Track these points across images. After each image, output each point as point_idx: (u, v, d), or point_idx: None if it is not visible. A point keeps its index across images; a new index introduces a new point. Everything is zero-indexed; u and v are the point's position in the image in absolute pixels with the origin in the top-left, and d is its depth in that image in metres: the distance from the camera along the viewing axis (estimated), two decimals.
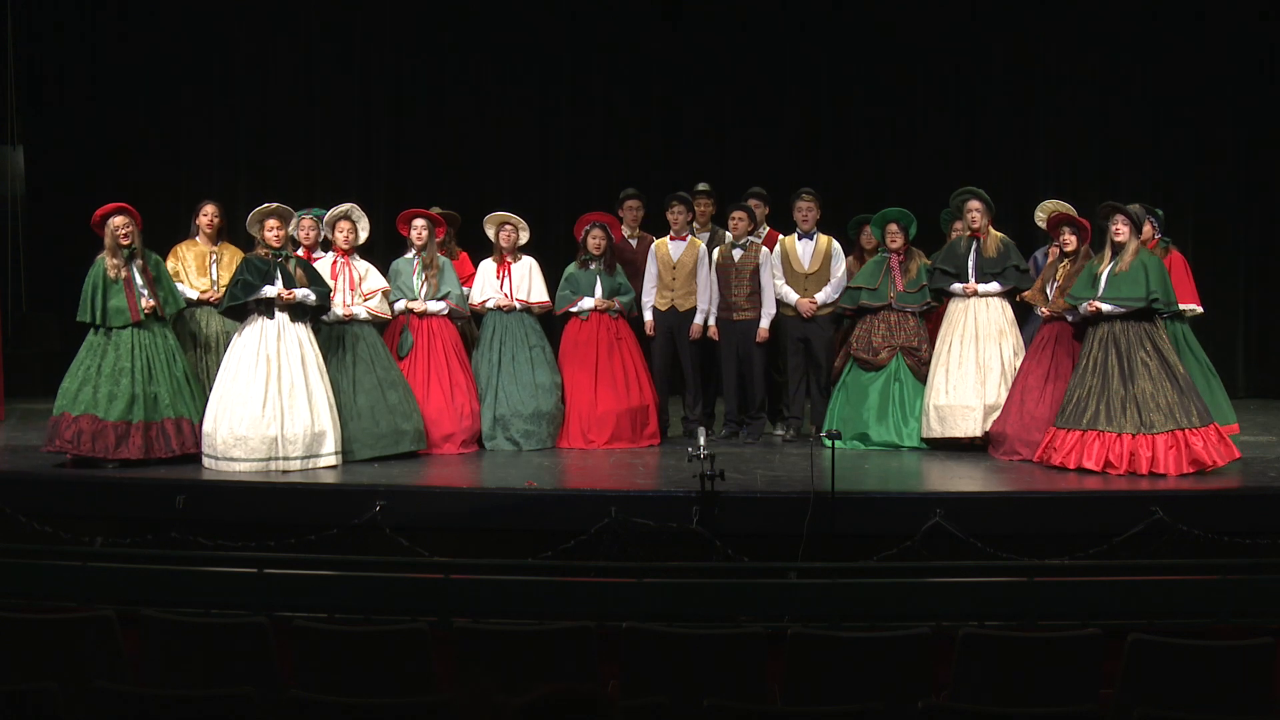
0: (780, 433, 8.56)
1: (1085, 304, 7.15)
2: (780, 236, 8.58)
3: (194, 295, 7.85)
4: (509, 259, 8.29)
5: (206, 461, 7.20)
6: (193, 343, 7.89)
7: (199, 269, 7.92)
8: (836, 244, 8.44)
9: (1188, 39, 11.23)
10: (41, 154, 11.63)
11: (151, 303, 7.30)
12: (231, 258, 7.87)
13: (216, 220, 8.04)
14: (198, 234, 8.05)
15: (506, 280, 8.25)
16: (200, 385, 7.53)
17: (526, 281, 8.28)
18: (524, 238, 8.36)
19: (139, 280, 7.30)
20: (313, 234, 7.91)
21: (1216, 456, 6.94)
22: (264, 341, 7.22)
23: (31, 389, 10.47)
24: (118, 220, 7.30)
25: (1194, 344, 7.78)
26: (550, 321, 8.46)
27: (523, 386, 8.04)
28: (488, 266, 8.32)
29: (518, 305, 8.22)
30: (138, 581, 5.56)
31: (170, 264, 7.88)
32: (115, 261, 7.25)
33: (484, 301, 8.26)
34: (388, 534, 6.46)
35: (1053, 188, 10.65)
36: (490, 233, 8.37)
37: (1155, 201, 8.88)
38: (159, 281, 7.40)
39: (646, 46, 11.76)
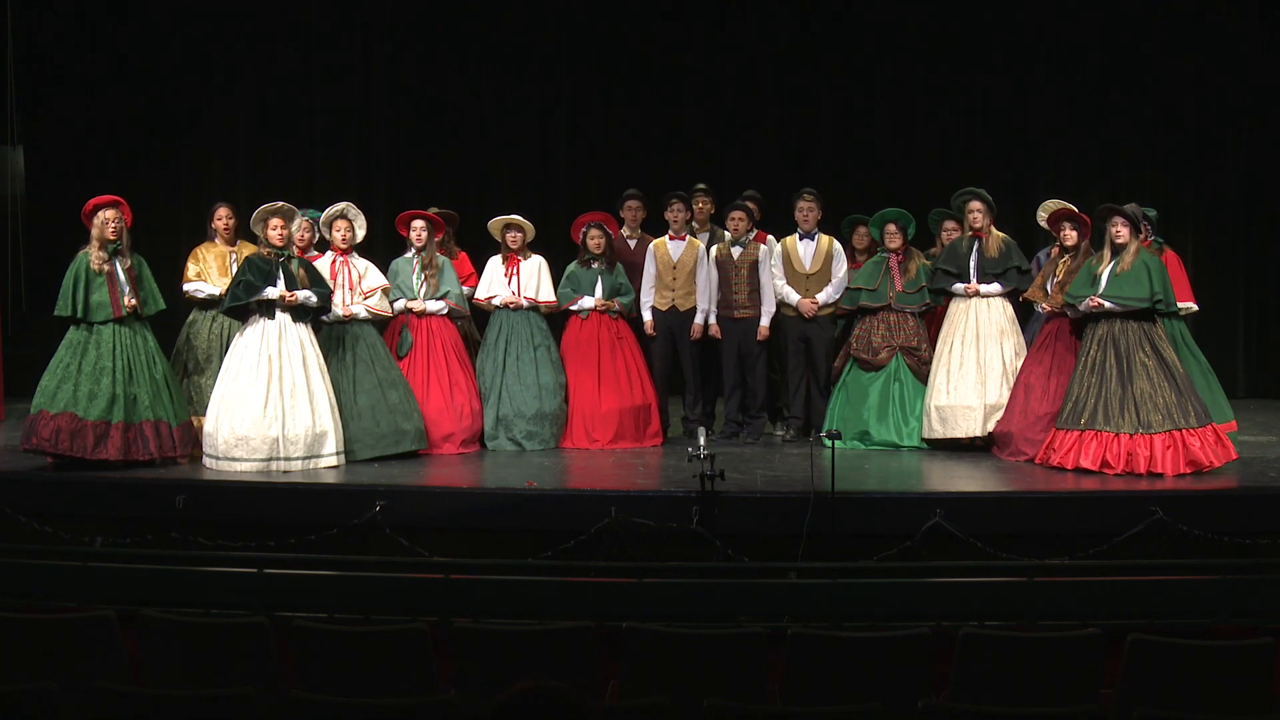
0: (780, 433, 8.56)
1: (1087, 300, 7.14)
2: (770, 237, 8.56)
3: (216, 291, 7.87)
4: (518, 257, 8.29)
5: (208, 461, 7.20)
6: (212, 346, 7.89)
7: (220, 269, 7.95)
8: (838, 244, 8.45)
9: (1187, 38, 11.22)
10: (41, 154, 11.63)
11: (133, 301, 7.24)
12: None
13: (231, 221, 8.10)
14: (215, 236, 8.12)
15: (515, 278, 8.25)
16: (179, 389, 7.48)
17: (535, 280, 8.28)
18: (530, 238, 8.38)
19: (121, 277, 7.23)
20: (307, 235, 7.92)
21: (1214, 457, 6.95)
22: (265, 342, 7.21)
23: (31, 389, 10.43)
24: (108, 213, 7.23)
25: (1191, 343, 7.80)
26: (552, 320, 8.46)
27: (526, 387, 8.04)
28: (496, 264, 8.33)
29: (525, 303, 8.22)
30: (138, 581, 5.56)
31: (192, 267, 7.99)
32: (100, 254, 7.18)
33: (491, 298, 8.26)
34: (388, 534, 6.46)
35: (1053, 188, 10.65)
36: (496, 235, 8.38)
37: (1155, 202, 8.89)
38: (141, 281, 7.34)
39: (647, 46, 11.76)
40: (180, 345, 8.02)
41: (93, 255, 7.19)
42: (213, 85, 11.90)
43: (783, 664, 4.42)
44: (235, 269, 7.86)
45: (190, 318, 8.08)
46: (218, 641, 4.56)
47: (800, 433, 8.42)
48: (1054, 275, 7.61)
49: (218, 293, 7.85)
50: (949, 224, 8.31)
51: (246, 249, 7.99)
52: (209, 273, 7.96)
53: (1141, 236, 7.37)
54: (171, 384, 7.39)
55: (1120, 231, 7.17)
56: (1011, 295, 7.95)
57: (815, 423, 8.39)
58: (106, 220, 7.22)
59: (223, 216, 8.13)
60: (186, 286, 8.00)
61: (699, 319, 8.36)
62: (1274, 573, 5.65)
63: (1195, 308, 8.09)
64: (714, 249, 8.43)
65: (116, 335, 7.18)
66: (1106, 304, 7.09)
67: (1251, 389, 11.31)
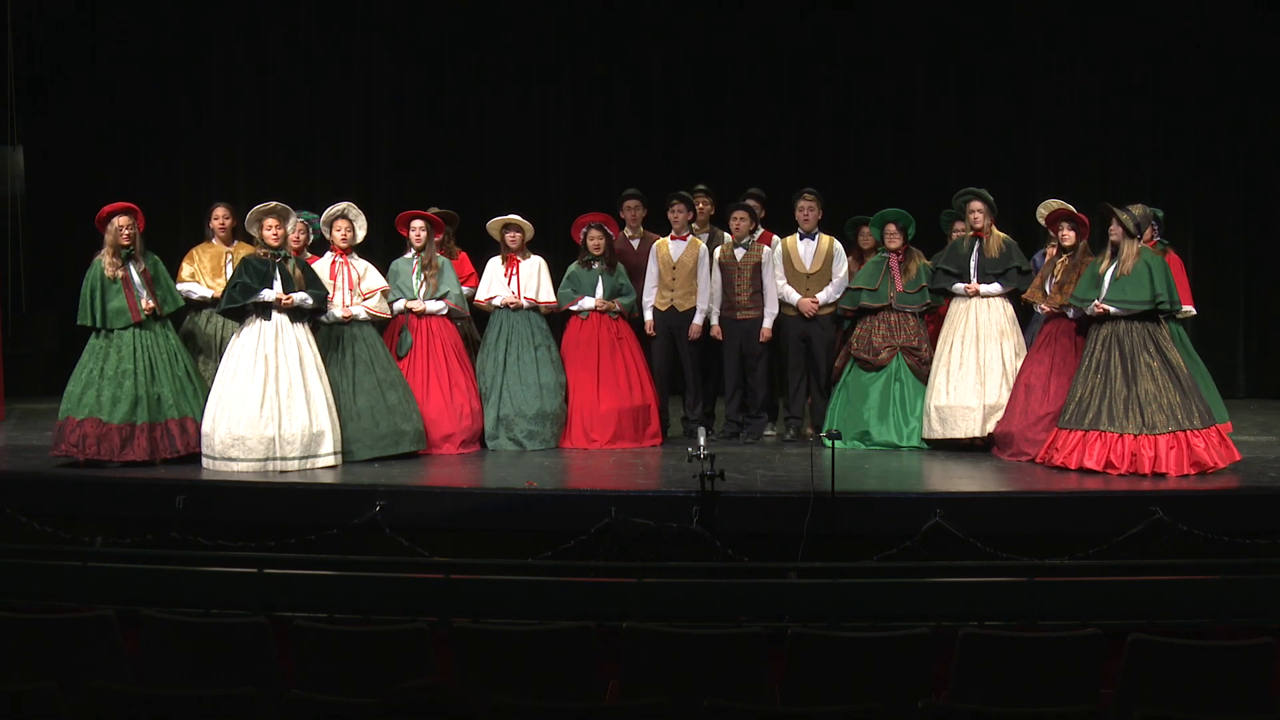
0: (780, 433, 8.57)
1: (1092, 306, 7.15)
2: (775, 237, 8.57)
3: (209, 294, 7.92)
4: (518, 257, 8.30)
5: (205, 462, 7.21)
6: (207, 345, 7.94)
7: (214, 270, 8.00)
8: (838, 244, 8.45)
9: (1188, 39, 11.22)
10: (41, 154, 11.63)
11: (151, 303, 7.32)
12: None
13: (228, 221, 8.16)
14: (212, 236, 8.17)
15: (514, 278, 8.25)
16: (204, 384, 7.55)
17: (535, 280, 8.28)
18: (529, 238, 8.38)
19: (137, 280, 7.32)
20: (301, 237, 7.92)
21: (1218, 458, 6.95)
22: (262, 342, 7.21)
23: (31, 389, 10.48)
24: (121, 220, 7.33)
25: (1188, 344, 7.80)
26: (552, 321, 8.47)
27: (527, 386, 8.04)
28: (496, 264, 8.33)
29: (525, 304, 8.22)
30: (138, 581, 5.55)
31: (186, 267, 8.04)
32: (114, 261, 7.27)
33: (491, 298, 8.26)
34: (388, 534, 6.46)
35: (1053, 188, 10.65)
36: (495, 235, 8.38)
37: (1155, 201, 8.90)
38: (157, 281, 7.44)
39: (646, 46, 11.76)
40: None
41: (106, 261, 7.29)
42: (213, 85, 11.90)
43: (783, 664, 4.42)
44: (230, 270, 7.89)
45: (187, 316, 8.10)
46: (218, 641, 4.56)
47: (800, 433, 8.43)
48: (1052, 275, 7.62)
49: (210, 295, 7.90)
50: (959, 225, 8.30)
51: (243, 250, 8.01)
52: (202, 274, 8.01)
53: (1148, 236, 7.39)
54: (195, 379, 7.50)
55: (1114, 230, 7.20)
56: (1012, 295, 7.95)
57: (815, 423, 8.40)
58: (120, 227, 7.32)
59: (220, 216, 8.16)
60: (180, 287, 7.98)
61: (698, 319, 8.36)
62: (1274, 573, 5.64)
63: (1193, 312, 8.09)
64: (717, 250, 8.43)
65: (137, 338, 7.28)
66: (1111, 309, 7.09)
67: (1251, 389, 11.32)
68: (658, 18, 11.70)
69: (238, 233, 8.21)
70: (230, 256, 8.03)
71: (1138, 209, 7.34)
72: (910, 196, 9.71)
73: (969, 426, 7.75)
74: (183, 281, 7.99)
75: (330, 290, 7.57)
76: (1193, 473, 6.87)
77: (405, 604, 5.44)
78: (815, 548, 6.18)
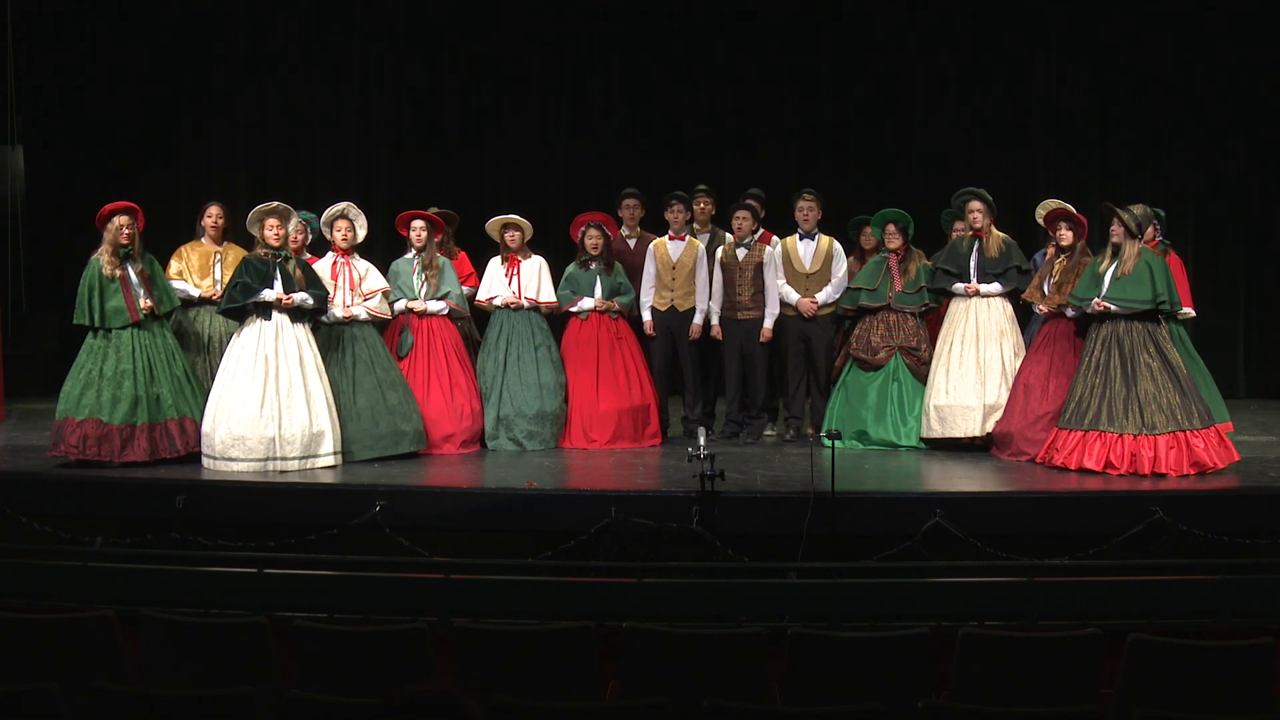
0: (780, 433, 8.57)
1: (1092, 303, 7.16)
2: (775, 237, 8.56)
3: (196, 294, 7.90)
4: (518, 257, 8.29)
5: (206, 461, 7.21)
6: (194, 343, 7.92)
7: (202, 269, 7.96)
8: (838, 244, 8.45)
9: (1189, 38, 11.22)
10: (41, 154, 11.63)
11: (149, 303, 7.31)
12: (235, 258, 7.89)
13: (221, 221, 8.10)
14: (203, 235, 8.12)
15: (515, 278, 8.25)
16: (201, 383, 7.54)
17: (535, 280, 8.28)
18: (528, 237, 8.38)
19: (135, 280, 7.31)
20: (300, 237, 7.91)
21: (1217, 459, 6.96)
22: (262, 342, 7.21)
23: (31, 389, 10.47)
24: (121, 219, 7.31)
25: (1188, 344, 7.80)
26: (552, 321, 8.46)
27: (527, 387, 8.04)
28: (496, 265, 8.33)
29: (526, 304, 8.22)
30: (138, 581, 5.56)
31: (174, 265, 7.99)
32: (112, 260, 7.26)
33: (491, 298, 8.26)
34: (388, 534, 6.46)
35: (1053, 188, 10.65)
36: (494, 235, 8.38)
37: (1155, 201, 8.89)
38: (154, 281, 7.43)
39: (646, 46, 11.76)
40: None
41: (104, 260, 7.27)
42: (213, 85, 11.91)
43: (783, 664, 4.42)
44: (218, 270, 7.89)
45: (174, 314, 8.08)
46: (218, 641, 4.56)
47: (800, 433, 8.43)
48: (1050, 275, 7.62)
49: (197, 294, 7.89)
50: (959, 225, 8.30)
51: (233, 251, 8.01)
52: (190, 272, 7.96)
53: (1145, 238, 7.39)
54: (193, 379, 7.48)
55: (1115, 230, 7.20)
56: (1011, 295, 7.95)
57: (815, 423, 8.41)
58: (120, 226, 7.31)
59: (213, 215, 8.10)
60: None
61: (698, 319, 8.36)
62: (1274, 573, 5.65)
63: (1193, 313, 8.10)
64: (719, 250, 8.43)
65: (135, 338, 7.27)
66: (1112, 308, 7.10)
67: (1251, 389, 11.32)
68: (658, 18, 11.70)
69: (229, 233, 8.19)
70: (219, 256, 7.98)
71: (1139, 209, 7.34)
72: (910, 196, 9.71)
73: (968, 426, 7.76)
74: (170, 279, 7.94)
75: (331, 290, 7.58)
76: (1192, 473, 6.88)
77: (405, 604, 5.45)
78: (815, 548, 6.18)
